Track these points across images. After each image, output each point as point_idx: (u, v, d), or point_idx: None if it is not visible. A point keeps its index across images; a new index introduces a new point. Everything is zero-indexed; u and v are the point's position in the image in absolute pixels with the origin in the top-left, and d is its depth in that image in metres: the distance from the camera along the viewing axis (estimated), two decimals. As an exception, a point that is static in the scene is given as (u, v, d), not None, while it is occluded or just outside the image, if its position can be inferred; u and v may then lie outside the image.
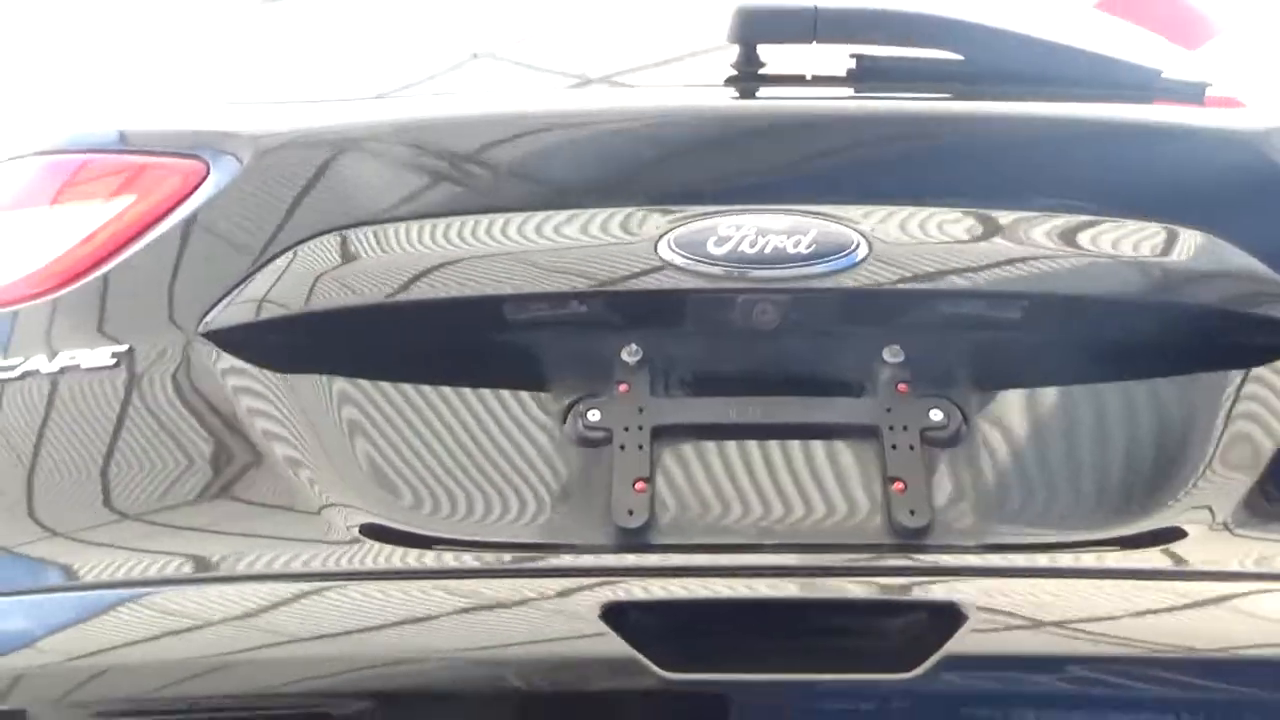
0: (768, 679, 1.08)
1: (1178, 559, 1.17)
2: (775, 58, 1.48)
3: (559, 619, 1.12)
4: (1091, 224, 1.31)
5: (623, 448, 1.25)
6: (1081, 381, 1.29)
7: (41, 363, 1.34)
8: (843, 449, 1.25)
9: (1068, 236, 1.31)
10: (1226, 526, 1.18)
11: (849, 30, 1.46)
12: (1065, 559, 1.18)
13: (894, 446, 1.24)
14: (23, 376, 1.35)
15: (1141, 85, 1.46)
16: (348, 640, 1.12)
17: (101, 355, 1.34)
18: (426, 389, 1.30)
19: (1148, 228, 1.31)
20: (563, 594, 1.15)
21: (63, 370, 1.34)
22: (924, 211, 1.31)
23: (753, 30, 1.46)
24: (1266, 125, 1.35)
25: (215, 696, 1.12)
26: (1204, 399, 1.27)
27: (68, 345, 1.34)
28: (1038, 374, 1.29)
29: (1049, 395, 1.28)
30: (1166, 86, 1.47)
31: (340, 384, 1.30)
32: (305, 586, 1.17)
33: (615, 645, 1.09)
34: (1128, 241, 1.30)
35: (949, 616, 1.10)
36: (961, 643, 1.09)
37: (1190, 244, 1.31)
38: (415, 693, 1.11)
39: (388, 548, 1.20)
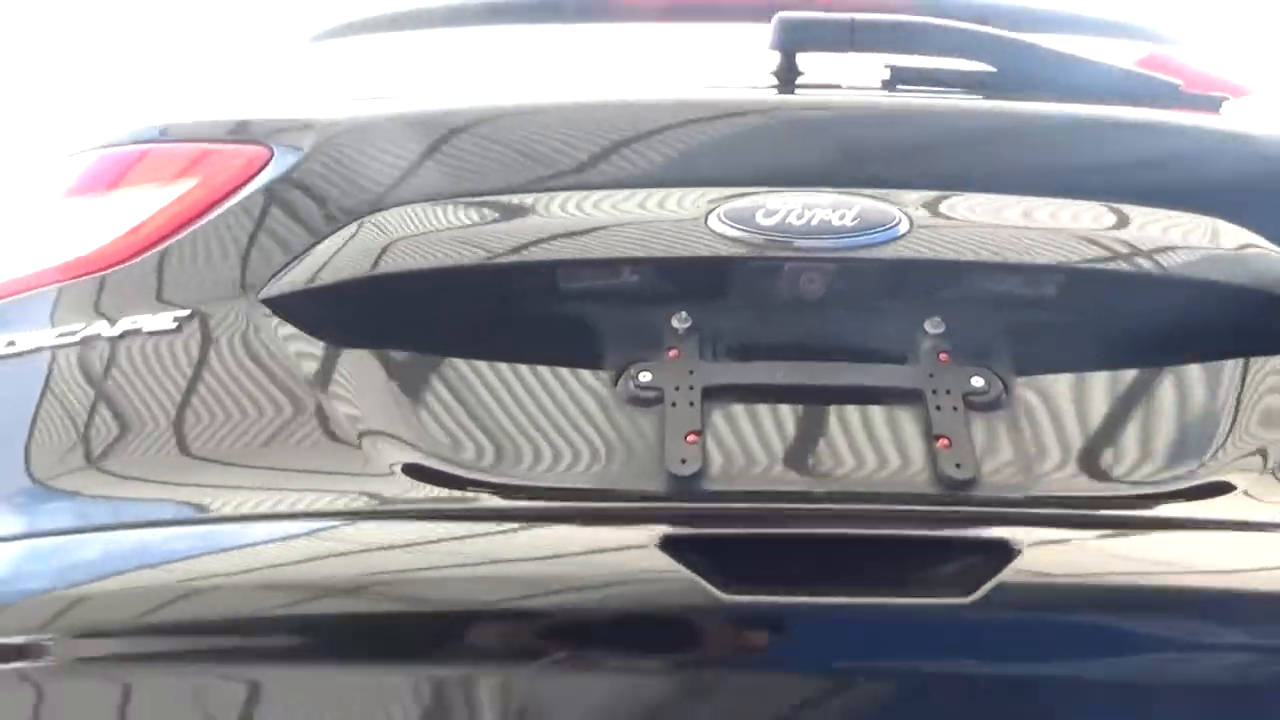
0: (827, 601, 1.10)
1: (1221, 508, 1.20)
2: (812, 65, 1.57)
3: (621, 550, 1.15)
4: (1121, 212, 1.38)
5: (674, 404, 1.28)
6: (1116, 354, 1.33)
7: (104, 328, 1.39)
8: (887, 409, 1.29)
9: (1100, 221, 1.37)
10: (1273, 478, 1.22)
11: (883, 40, 1.54)
12: (1108, 509, 1.21)
13: (938, 408, 1.28)
14: (83, 341, 1.39)
15: (1163, 96, 1.53)
16: (427, 573, 1.16)
17: (163, 320, 1.38)
18: (479, 353, 1.34)
19: (1175, 216, 1.37)
20: (623, 528, 1.18)
21: (124, 334, 1.38)
22: (964, 195, 1.37)
23: (793, 39, 1.54)
24: None
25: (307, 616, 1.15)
26: (1235, 370, 1.31)
27: (130, 312, 1.39)
28: (1074, 348, 1.34)
29: (1086, 367, 1.32)
30: (1186, 99, 1.54)
31: (398, 346, 1.34)
32: (377, 524, 1.20)
33: (676, 572, 1.11)
34: (1158, 228, 1.37)
35: (1001, 551, 1.13)
36: (1016, 573, 1.11)
37: (1216, 232, 1.37)
38: (492, 613, 1.13)
39: (445, 490, 1.23)
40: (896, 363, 1.32)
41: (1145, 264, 1.34)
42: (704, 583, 1.10)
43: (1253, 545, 1.19)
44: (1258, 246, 1.36)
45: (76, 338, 1.40)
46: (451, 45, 2.01)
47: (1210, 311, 1.34)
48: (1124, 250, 1.35)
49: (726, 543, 1.16)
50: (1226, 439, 1.27)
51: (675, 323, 1.33)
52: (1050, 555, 1.15)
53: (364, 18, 2.10)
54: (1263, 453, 1.26)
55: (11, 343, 1.42)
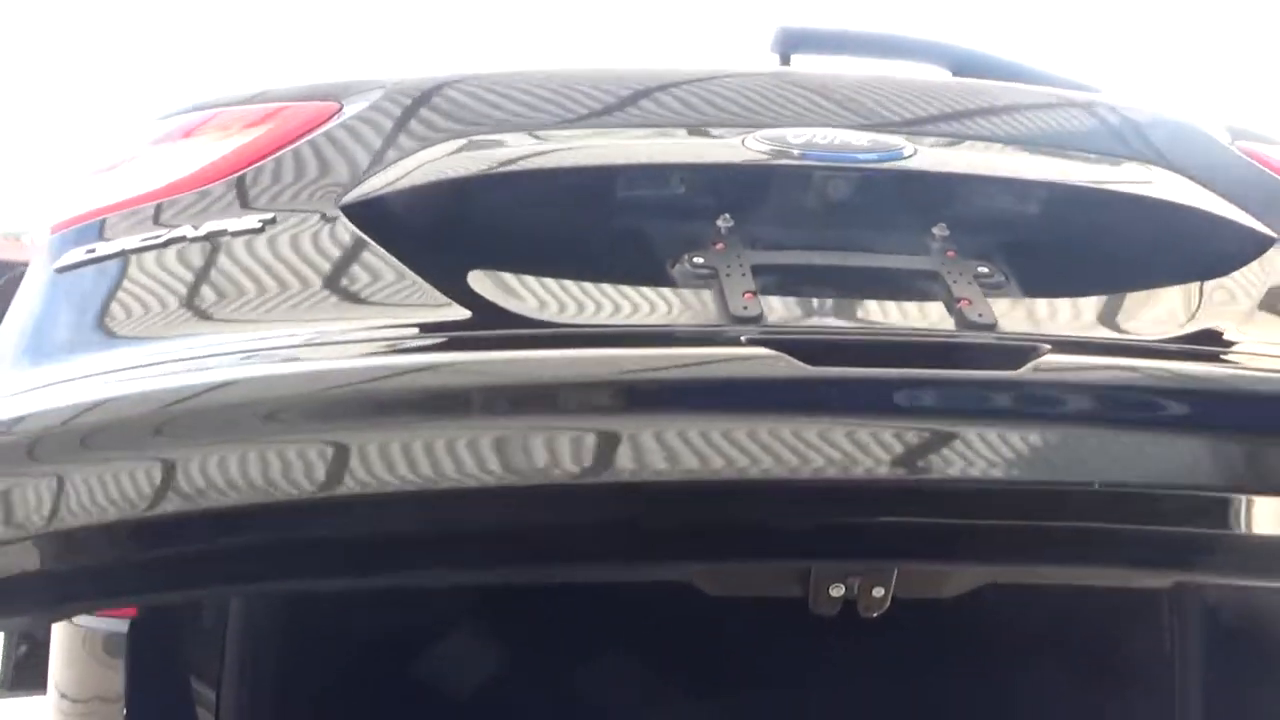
0: (903, 372, 1.26)
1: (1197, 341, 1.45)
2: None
3: (726, 345, 1.34)
4: (1082, 155, 1.66)
5: (728, 275, 1.45)
6: (1086, 257, 1.57)
7: (189, 231, 1.52)
8: (914, 284, 1.49)
9: (1068, 159, 1.65)
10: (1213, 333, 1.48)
11: (864, 48, 1.84)
12: (1098, 337, 1.44)
13: (955, 282, 1.48)
14: (169, 241, 1.52)
15: (1089, 87, 1.86)
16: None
17: (249, 222, 1.52)
18: (540, 246, 1.51)
19: (1125, 162, 1.66)
20: (720, 339, 1.35)
21: (209, 235, 1.51)
22: (952, 140, 1.63)
23: (790, 45, 1.82)
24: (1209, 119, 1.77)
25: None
26: (1175, 261, 1.57)
27: (216, 219, 1.53)
28: (1061, 249, 1.57)
29: (1063, 261, 1.56)
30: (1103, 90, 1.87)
31: (477, 244, 1.50)
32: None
33: (763, 351, 1.26)
34: (1113, 166, 1.65)
35: (1033, 351, 1.32)
36: (1051, 360, 1.30)
37: (1139, 169, 1.67)
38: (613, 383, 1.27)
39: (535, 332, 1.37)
40: (914, 254, 1.53)
41: (1101, 187, 1.62)
42: (794, 359, 1.25)
43: (1189, 362, 1.44)
44: (1191, 185, 1.65)
45: (161, 240, 1.52)
46: None
47: (1150, 220, 1.61)
48: (1081, 180, 1.62)
49: (801, 343, 1.30)
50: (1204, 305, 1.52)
51: (720, 223, 1.52)
52: (1070, 356, 1.35)
53: None
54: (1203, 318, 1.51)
55: (91, 250, 1.54)
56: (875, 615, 1.48)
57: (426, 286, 1.42)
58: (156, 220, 1.55)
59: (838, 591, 1.46)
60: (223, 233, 1.51)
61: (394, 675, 2.33)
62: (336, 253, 1.48)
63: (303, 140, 1.60)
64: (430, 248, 1.48)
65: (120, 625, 2.26)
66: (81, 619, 2.32)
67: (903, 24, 1.95)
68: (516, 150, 1.57)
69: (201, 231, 1.52)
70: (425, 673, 2.34)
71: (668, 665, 1.90)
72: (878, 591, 1.46)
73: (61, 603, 1.35)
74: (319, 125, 1.62)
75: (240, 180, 1.56)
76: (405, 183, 1.52)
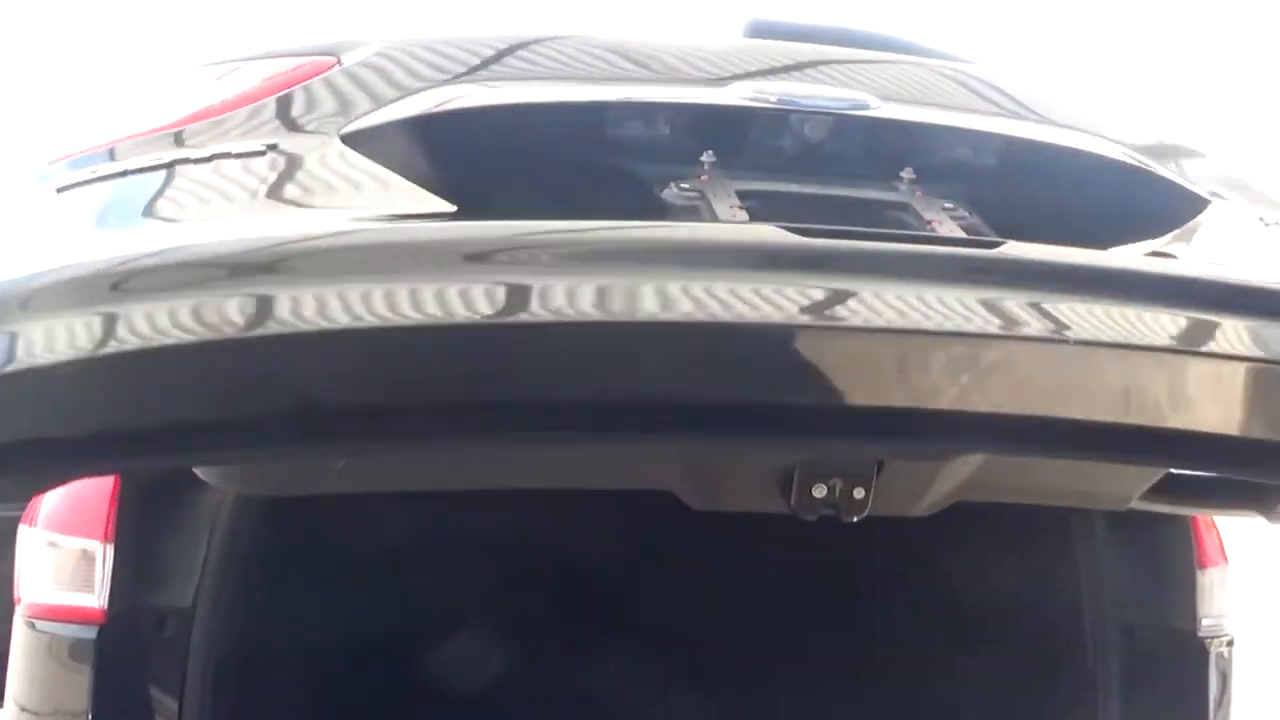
0: (891, 247, 1.36)
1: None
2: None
3: (731, 225, 1.46)
4: (1028, 120, 1.79)
5: (715, 196, 1.55)
6: (1044, 202, 1.69)
7: (192, 153, 1.60)
8: (888, 210, 1.60)
9: (999, 121, 1.78)
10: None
11: (824, 37, 1.98)
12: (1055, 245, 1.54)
13: (924, 210, 1.58)
14: (172, 163, 1.59)
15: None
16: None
17: (254, 145, 1.60)
18: (530, 178, 1.60)
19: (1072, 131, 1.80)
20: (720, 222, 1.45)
21: (212, 156, 1.59)
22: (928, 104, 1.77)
23: (759, 35, 1.96)
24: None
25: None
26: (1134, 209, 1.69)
27: (220, 144, 1.60)
28: (1022, 200, 1.69)
29: (1017, 203, 1.67)
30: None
31: (462, 155, 1.58)
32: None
33: (764, 228, 1.36)
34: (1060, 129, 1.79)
35: (999, 244, 1.42)
36: (1017, 247, 1.40)
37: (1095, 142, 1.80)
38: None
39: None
40: (885, 191, 1.64)
41: (1049, 143, 1.75)
42: (787, 233, 1.35)
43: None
44: (1129, 155, 1.79)
45: (165, 160, 1.59)
46: None
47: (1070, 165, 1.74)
48: (1032, 134, 1.75)
49: (798, 228, 1.40)
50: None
51: (704, 159, 1.63)
52: (1031, 247, 1.46)
53: None
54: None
55: (94, 171, 1.61)
56: (855, 520, 1.54)
57: (433, 200, 1.51)
58: (178, 142, 1.63)
59: (820, 492, 1.51)
60: (226, 154, 1.59)
61: (354, 685, 2.32)
62: (339, 169, 1.57)
63: (305, 82, 1.70)
64: (448, 174, 1.57)
65: (87, 633, 2.24)
66: (45, 624, 2.30)
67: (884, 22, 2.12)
68: (505, 96, 1.66)
69: (205, 153, 1.59)
70: (383, 683, 2.34)
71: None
72: (858, 493, 1.52)
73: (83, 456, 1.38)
74: (319, 73, 1.73)
75: (252, 112, 1.65)
76: (399, 115, 1.62)
